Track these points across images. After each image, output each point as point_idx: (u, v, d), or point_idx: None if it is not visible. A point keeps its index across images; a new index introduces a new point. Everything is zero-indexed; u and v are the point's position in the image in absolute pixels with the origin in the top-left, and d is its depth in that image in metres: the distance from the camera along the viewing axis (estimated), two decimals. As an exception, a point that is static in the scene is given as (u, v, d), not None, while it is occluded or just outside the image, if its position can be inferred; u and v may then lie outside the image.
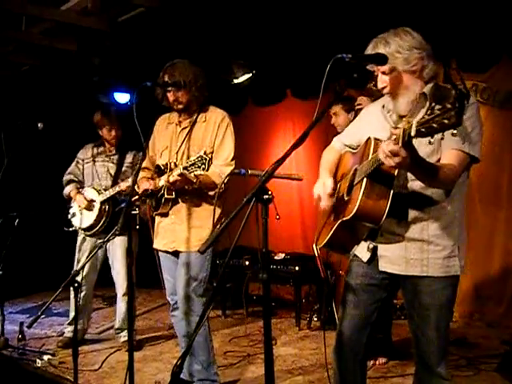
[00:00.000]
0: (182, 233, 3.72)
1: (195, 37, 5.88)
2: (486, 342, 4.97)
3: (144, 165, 3.90)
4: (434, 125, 1.87)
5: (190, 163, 3.37)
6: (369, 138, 2.48)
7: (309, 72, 4.47)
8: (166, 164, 3.69)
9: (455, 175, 2.36)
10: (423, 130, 1.91)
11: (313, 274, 5.90)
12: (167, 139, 3.85)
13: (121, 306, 5.16)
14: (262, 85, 7.30)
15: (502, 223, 5.53)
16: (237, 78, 7.05)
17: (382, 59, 2.34)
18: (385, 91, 2.53)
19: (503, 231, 5.53)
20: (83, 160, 5.25)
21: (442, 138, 1.93)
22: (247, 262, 6.20)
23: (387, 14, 4.90)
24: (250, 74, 7.01)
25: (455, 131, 1.86)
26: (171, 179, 3.47)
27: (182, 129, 3.79)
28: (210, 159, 3.49)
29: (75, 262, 5.16)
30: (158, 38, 5.98)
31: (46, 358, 4.56)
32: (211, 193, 3.62)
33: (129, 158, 5.22)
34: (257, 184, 2.09)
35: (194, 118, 3.77)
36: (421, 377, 2.63)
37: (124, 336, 5.12)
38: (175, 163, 3.64)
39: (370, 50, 2.47)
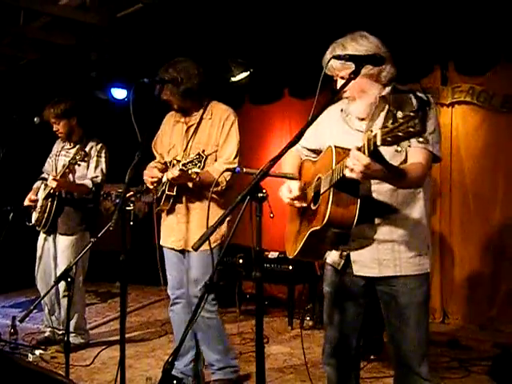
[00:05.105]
0: (189, 232, 3.71)
1: (193, 34, 5.88)
2: (477, 344, 4.98)
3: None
4: (400, 133, 1.88)
5: (189, 160, 3.36)
6: (329, 147, 2.42)
7: (307, 71, 4.46)
8: (170, 161, 3.71)
9: (423, 173, 2.38)
10: (389, 138, 1.92)
11: (306, 274, 5.92)
12: (174, 137, 3.85)
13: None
14: (260, 83, 7.29)
15: (496, 225, 5.53)
16: (234, 76, 7.04)
17: (378, 60, 2.32)
18: (345, 95, 2.51)
19: (497, 233, 5.53)
20: (53, 155, 5.22)
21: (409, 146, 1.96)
22: (241, 260, 6.21)
23: (385, 15, 4.92)
24: (248, 73, 7.00)
25: (421, 139, 1.87)
26: (170, 175, 3.48)
27: (189, 126, 3.79)
28: (207, 158, 3.50)
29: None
30: (156, 34, 5.98)
31: (37, 352, 4.56)
32: (217, 188, 3.59)
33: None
34: (251, 182, 2.08)
35: (200, 114, 3.77)
36: (401, 379, 2.62)
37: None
38: (177, 160, 3.63)
39: (328, 55, 2.46)
